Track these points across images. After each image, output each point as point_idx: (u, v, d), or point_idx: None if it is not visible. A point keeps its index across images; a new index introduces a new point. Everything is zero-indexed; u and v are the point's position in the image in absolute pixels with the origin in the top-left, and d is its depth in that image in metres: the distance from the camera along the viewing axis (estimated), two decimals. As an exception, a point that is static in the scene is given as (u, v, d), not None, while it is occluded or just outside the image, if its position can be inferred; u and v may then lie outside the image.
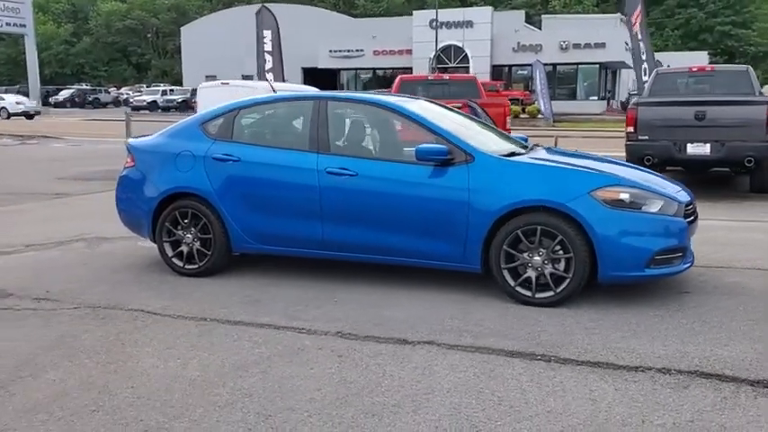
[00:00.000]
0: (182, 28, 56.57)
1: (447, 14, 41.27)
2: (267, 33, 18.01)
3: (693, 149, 9.45)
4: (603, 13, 59.16)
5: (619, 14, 47.23)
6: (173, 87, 48.69)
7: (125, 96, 53.04)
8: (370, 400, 3.16)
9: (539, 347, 3.80)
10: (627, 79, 46.89)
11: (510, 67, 40.94)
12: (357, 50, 42.80)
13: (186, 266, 5.44)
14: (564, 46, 38.77)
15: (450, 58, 40.97)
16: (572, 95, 40.61)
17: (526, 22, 46.58)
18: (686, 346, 3.79)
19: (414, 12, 44.30)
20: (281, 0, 45.25)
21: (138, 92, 52.41)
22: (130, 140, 5.99)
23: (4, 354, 3.81)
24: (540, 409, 3.04)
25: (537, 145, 5.69)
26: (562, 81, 41.03)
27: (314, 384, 3.35)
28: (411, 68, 40.32)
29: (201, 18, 58.17)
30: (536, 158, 4.94)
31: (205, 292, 5.01)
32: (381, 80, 43.08)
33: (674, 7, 68.88)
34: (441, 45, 39.14)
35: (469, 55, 40.10)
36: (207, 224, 5.34)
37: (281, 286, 5.11)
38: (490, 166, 4.69)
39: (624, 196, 4.45)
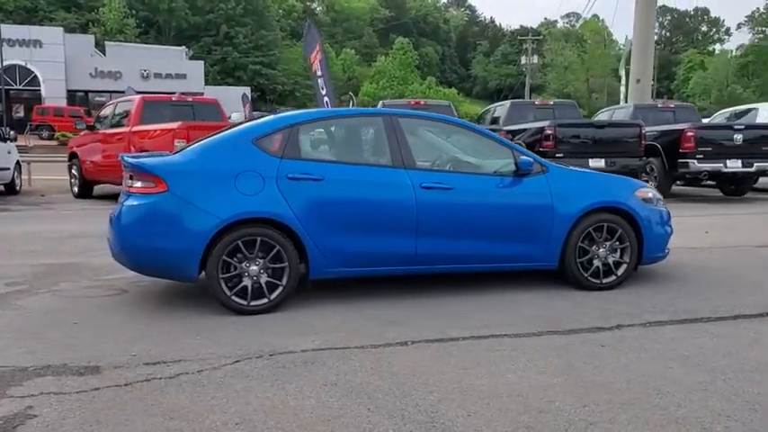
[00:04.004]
0: None
1: (10, 31, 36.42)
2: None
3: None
4: (144, 43, 59.47)
5: (184, 48, 48.47)
6: None
7: None
8: (709, 365, 3.76)
9: (682, 314, 4.75)
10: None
11: (87, 92, 38.41)
12: None
13: (252, 303, 4.74)
14: (145, 75, 38.19)
15: (16, 79, 36.32)
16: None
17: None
18: (745, 297, 5.26)
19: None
20: None
21: None
22: (140, 160, 4.79)
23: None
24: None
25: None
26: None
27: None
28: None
29: None
30: (579, 169, 5.89)
31: (330, 323, 4.53)
32: None
33: (212, 45, 73.25)
34: (4, 64, 34.41)
35: (40, 77, 36.21)
36: (281, 252, 4.76)
37: (378, 306, 4.93)
38: (562, 175, 5.48)
39: (650, 195, 5.74)
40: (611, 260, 5.48)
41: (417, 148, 5.24)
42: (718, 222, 9.88)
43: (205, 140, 5.00)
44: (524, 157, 5.26)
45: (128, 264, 4.87)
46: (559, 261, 5.40)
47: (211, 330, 4.39)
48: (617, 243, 5.49)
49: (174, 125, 9.91)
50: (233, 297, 4.70)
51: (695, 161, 12.19)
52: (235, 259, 4.70)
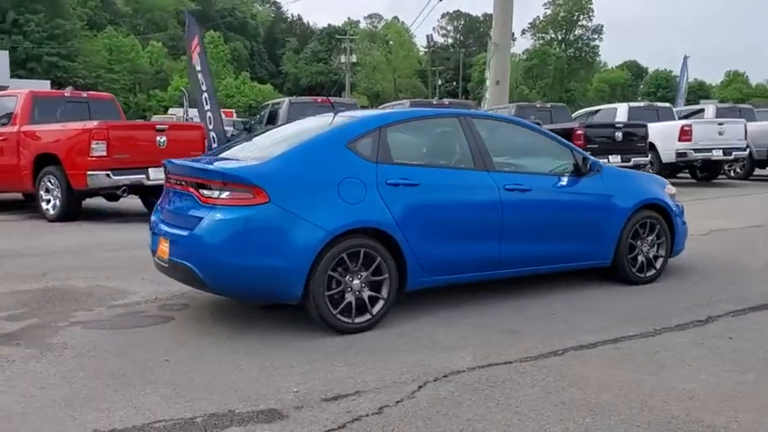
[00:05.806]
0: None
1: None
2: None
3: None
4: None
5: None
6: None
7: None
8: None
9: (747, 302, 5.06)
10: None
11: None
12: None
13: (356, 320, 4.34)
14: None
15: None
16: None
17: None
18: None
19: None
20: None
21: None
22: (228, 167, 4.13)
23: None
24: None
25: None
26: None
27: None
28: None
29: None
30: (622, 168, 6.05)
31: (451, 337, 4.28)
32: None
33: (-5, 34, 65.86)
34: None
35: None
36: (381, 263, 4.40)
37: (474, 313, 4.75)
38: (614, 173, 5.64)
39: (674, 191, 6.07)
40: (651, 254, 5.73)
41: (492, 149, 5.08)
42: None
43: (293, 144, 4.46)
44: (591, 158, 5.33)
45: (209, 285, 4.21)
46: (612, 258, 5.54)
47: (340, 354, 3.95)
48: (655, 238, 5.75)
49: (92, 125, 8.69)
50: (338, 315, 4.26)
51: (585, 157, 13.08)
52: (337, 274, 4.26)
